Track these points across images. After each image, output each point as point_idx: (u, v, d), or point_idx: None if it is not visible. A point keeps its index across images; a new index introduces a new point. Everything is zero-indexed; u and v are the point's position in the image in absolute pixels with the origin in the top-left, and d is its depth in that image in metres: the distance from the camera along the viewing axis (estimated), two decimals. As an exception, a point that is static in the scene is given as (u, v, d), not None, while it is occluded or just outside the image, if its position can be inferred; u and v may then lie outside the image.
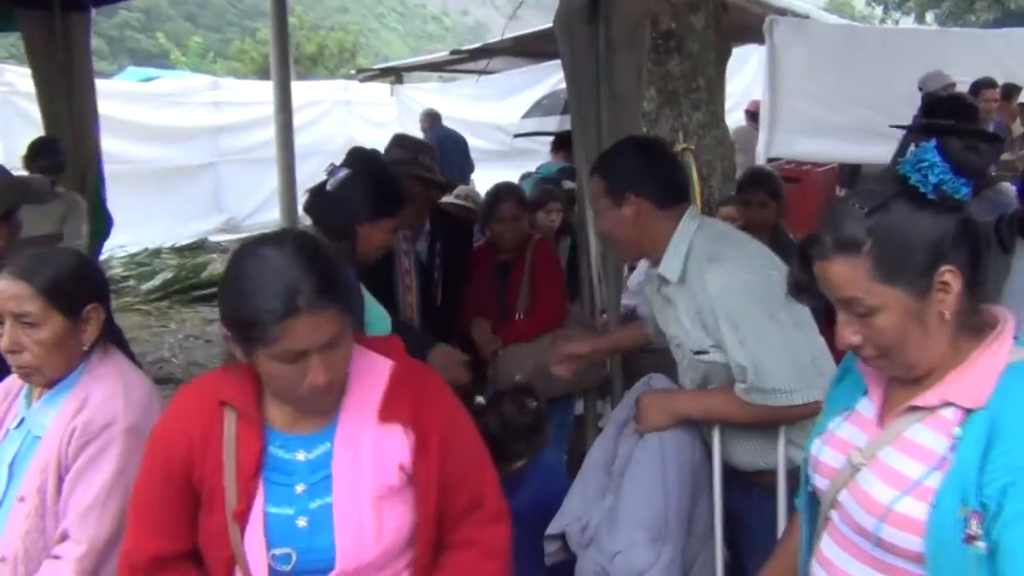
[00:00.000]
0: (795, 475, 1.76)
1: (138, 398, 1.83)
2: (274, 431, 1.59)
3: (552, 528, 2.35)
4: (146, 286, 9.21)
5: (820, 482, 1.49)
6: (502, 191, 4.02)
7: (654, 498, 2.19)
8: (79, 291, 1.85)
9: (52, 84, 5.36)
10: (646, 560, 2.13)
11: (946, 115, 4.11)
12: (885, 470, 1.36)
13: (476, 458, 1.69)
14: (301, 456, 1.58)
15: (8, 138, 9.89)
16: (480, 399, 2.97)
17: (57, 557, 1.73)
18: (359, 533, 1.53)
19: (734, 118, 7.73)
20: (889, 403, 1.43)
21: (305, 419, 1.58)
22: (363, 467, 1.55)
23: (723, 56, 5.50)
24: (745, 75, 9.60)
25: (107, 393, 1.81)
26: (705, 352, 2.22)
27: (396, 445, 1.58)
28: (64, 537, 1.75)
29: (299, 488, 1.56)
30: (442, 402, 1.68)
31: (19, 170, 7.33)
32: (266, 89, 12.45)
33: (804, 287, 1.44)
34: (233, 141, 11.93)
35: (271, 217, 9.94)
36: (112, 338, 1.95)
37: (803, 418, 2.09)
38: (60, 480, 1.76)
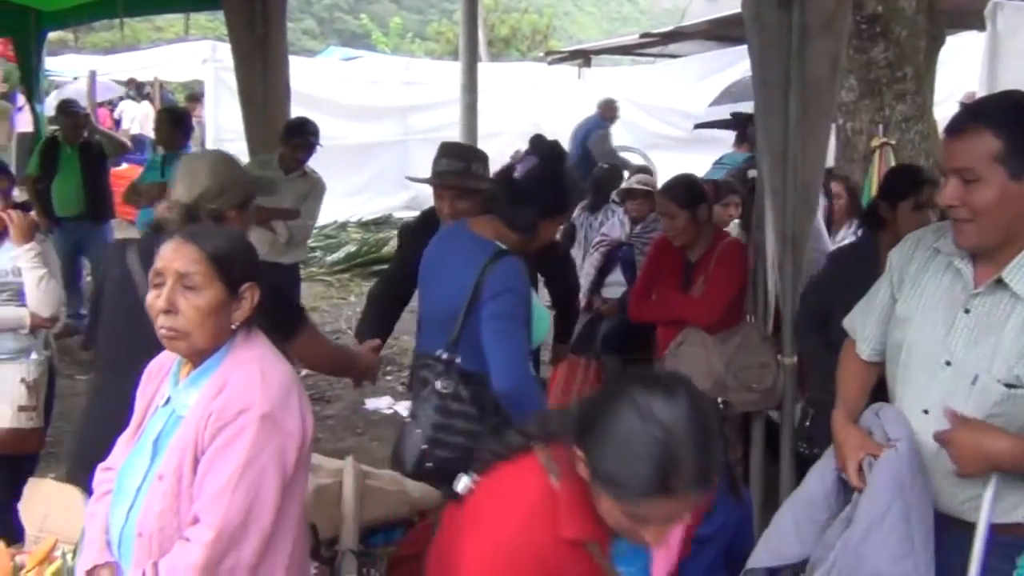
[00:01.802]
0: None
1: (276, 386, 1.81)
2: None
3: (759, 562, 2.15)
4: (331, 258, 9.61)
5: None
6: (666, 186, 3.89)
7: (901, 559, 1.94)
8: (242, 267, 1.86)
9: (249, 60, 5.59)
10: None
11: None
12: None
13: None
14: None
15: (218, 111, 10.59)
16: None
17: (188, 539, 1.74)
18: None
19: (945, 111, 7.12)
20: None
21: None
22: None
23: (935, 43, 5.03)
24: (959, 64, 8.81)
25: (245, 379, 1.79)
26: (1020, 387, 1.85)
27: None
28: (196, 520, 1.75)
29: None
30: None
31: (224, 143, 7.72)
32: (454, 70, 12.75)
33: None
34: (421, 120, 12.22)
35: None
36: (259, 324, 1.94)
37: None
38: (196, 462, 1.77)
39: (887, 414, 2.06)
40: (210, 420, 1.75)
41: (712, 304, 3.62)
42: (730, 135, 7.58)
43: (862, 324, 2.23)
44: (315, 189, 5.60)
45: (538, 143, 2.71)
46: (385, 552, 3.18)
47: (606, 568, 1.65)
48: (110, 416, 2.14)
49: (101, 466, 2.03)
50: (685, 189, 3.79)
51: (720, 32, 10.89)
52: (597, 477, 1.52)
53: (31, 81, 7.92)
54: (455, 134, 8.92)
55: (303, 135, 5.53)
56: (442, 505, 3.49)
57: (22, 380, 3.26)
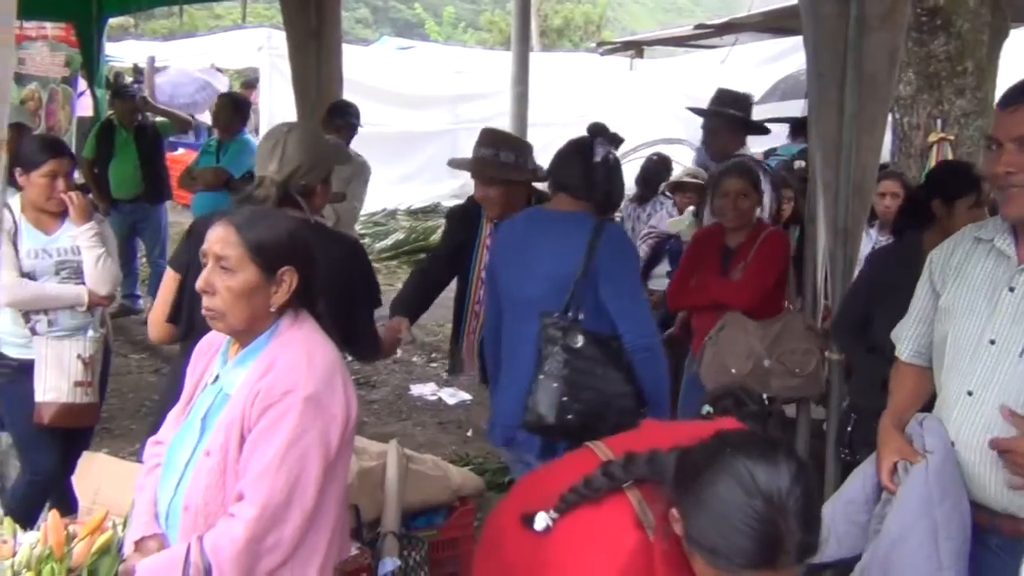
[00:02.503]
0: None
1: (322, 368, 1.83)
2: None
3: None
4: (379, 245, 9.69)
5: None
6: (732, 166, 3.84)
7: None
8: (279, 252, 1.88)
9: (304, 48, 5.64)
10: None
11: None
12: None
13: None
14: None
15: (272, 98, 10.71)
16: (708, 408, 2.89)
17: (232, 515, 1.77)
18: None
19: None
20: None
21: None
22: None
23: (998, 36, 4.90)
24: (1024, 58, 8.56)
25: (292, 360, 1.82)
26: None
27: None
28: (240, 496, 1.78)
29: None
30: None
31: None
32: (505, 60, 12.78)
33: None
34: (471, 110, 12.23)
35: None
36: (310, 307, 1.96)
37: None
38: (242, 439, 1.80)
39: (929, 424, 2.05)
40: (256, 399, 1.78)
41: (751, 287, 3.59)
42: (783, 128, 7.48)
43: (901, 327, 2.23)
44: (360, 172, 5.67)
45: (602, 131, 2.87)
46: (426, 535, 3.21)
47: None
48: None
49: (151, 440, 2.08)
50: (751, 172, 3.78)
51: (775, 23, 10.70)
52: (694, 542, 1.47)
53: (92, 66, 8.08)
54: (505, 123, 8.95)
55: (345, 116, 5.63)
56: (483, 492, 3.56)
57: (79, 356, 3.33)
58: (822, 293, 3.28)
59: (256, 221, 1.91)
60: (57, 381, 3.29)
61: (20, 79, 8.64)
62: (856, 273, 3.30)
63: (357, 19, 35.27)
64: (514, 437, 2.88)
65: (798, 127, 6.40)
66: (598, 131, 2.87)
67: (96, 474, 2.97)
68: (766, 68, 10.98)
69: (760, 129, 4.73)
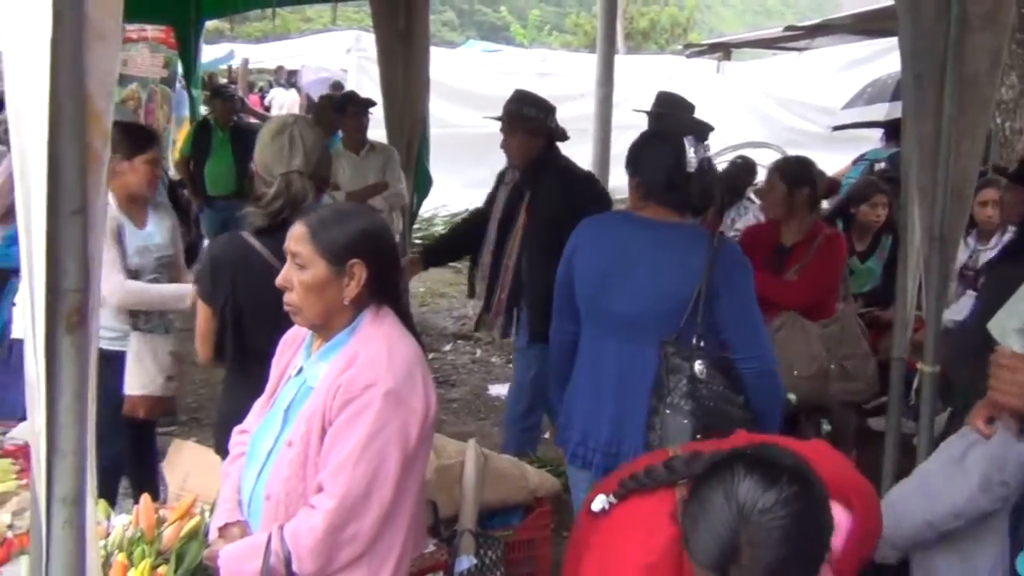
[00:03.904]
0: None
1: (402, 363, 1.85)
2: None
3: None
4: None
5: None
6: (773, 165, 3.94)
7: None
8: (347, 246, 1.89)
9: (391, 51, 5.73)
10: None
11: None
12: None
13: None
14: None
15: (359, 100, 10.90)
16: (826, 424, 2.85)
17: (312, 506, 1.80)
18: None
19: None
20: None
21: None
22: None
23: (1112, 38, 4.66)
24: None
25: (372, 355, 1.84)
26: None
27: None
28: (320, 488, 1.81)
29: None
30: None
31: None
32: (589, 62, 12.72)
33: None
34: (556, 112, 12.22)
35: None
36: (392, 302, 1.98)
37: None
38: (323, 431, 1.83)
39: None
40: (338, 392, 1.81)
41: (809, 287, 3.56)
42: (872, 133, 7.27)
43: (1007, 315, 2.08)
44: (390, 158, 5.88)
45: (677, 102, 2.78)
46: (502, 535, 3.21)
47: None
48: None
49: (237, 429, 2.14)
50: (792, 166, 3.86)
51: (867, 26, 10.43)
52: (682, 531, 1.51)
53: (189, 68, 8.38)
54: (588, 126, 8.91)
55: (356, 103, 5.91)
56: (560, 494, 3.54)
57: (171, 352, 3.41)
58: (913, 303, 3.17)
59: (328, 217, 1.94)
60: (153, 375, 3.33)
61: (121, 80, 9.00)
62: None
63: (443, 22, 35.67)
64: (606, 465, 2.66)
65: (893, 131, 6.22)
66: (669, 102, 2.76)
67: (184, 462, 3.06)
68: (854, 71, 10.70)
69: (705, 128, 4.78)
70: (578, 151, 11.29)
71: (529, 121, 4.02)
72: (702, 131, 4.60)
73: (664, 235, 2.60)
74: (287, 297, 1.92)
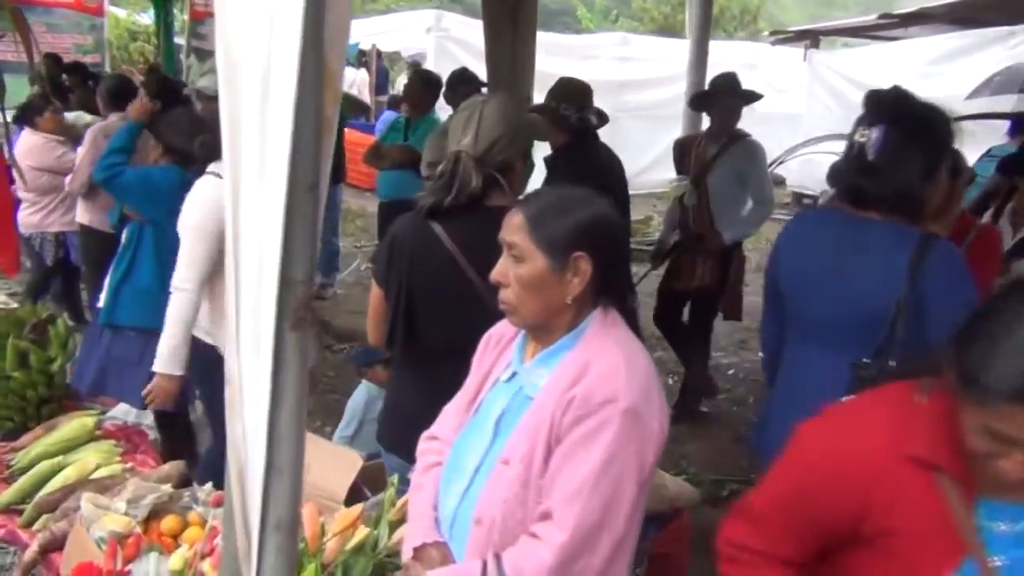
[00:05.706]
0: None
1: (639, 377, 1.61)
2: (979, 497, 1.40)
3: None
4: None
5: None
6: None
7: None
8: (569, 237, 1.65)
9: (497, 27, 5.49)
10: None
11: None
12: None
13: None
14: (1003, 527, 1.37)
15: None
16: None
17: (537, 536, 1.57)
18: None
19: None
20: None
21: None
22: None
23: None
24: None
25: (609, 366, 1.60)
26: None
27: None
28: (546, 516, 1.58)
29: (993, 562, 1.35)
30: None
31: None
32: (671, 46, 12.36)
33: None
34: (635, 96, 11.91)
35: (661, 176, 9.81)
36: (617, 302, 1.74)
37: None
38: (549, 450, 1.59)
39: None
40: (570, 407, 1.57)
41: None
42: (983, 128, 6.86)
43: None
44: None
45: (879, 102, 2.32)
46: (643, 547, 3.00)
47: (955, 505, 1.37)
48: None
49: (426, 434, 1.90)
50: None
51: (964, 15, 9.95)
52: (960, 378, 1.31)
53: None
54: (668, 112, 8.62)
55: (471, 83, 5.91)
56: (698, 504, 3.32)
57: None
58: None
59: (550, 204, 1.70)
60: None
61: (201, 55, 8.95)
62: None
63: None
64: None
65: (1021, 124, 5.85)
66: (878, 104, 2.31)
67: (310, 456, 2.90)
68: (949, 64, 10.24)
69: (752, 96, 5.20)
70: (667, 138, 11.04)
71: (563, 119, 4.36)
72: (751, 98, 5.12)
73: (868, 234, 2.29)
74: (502, 294, 1.69)
